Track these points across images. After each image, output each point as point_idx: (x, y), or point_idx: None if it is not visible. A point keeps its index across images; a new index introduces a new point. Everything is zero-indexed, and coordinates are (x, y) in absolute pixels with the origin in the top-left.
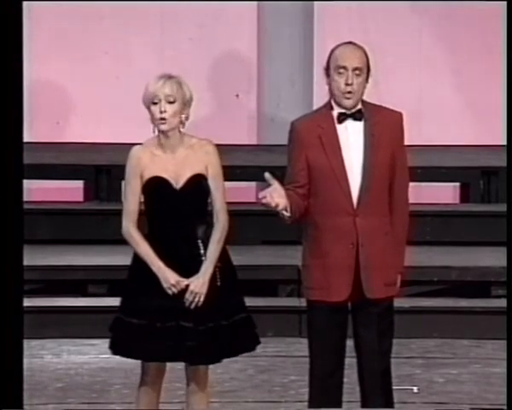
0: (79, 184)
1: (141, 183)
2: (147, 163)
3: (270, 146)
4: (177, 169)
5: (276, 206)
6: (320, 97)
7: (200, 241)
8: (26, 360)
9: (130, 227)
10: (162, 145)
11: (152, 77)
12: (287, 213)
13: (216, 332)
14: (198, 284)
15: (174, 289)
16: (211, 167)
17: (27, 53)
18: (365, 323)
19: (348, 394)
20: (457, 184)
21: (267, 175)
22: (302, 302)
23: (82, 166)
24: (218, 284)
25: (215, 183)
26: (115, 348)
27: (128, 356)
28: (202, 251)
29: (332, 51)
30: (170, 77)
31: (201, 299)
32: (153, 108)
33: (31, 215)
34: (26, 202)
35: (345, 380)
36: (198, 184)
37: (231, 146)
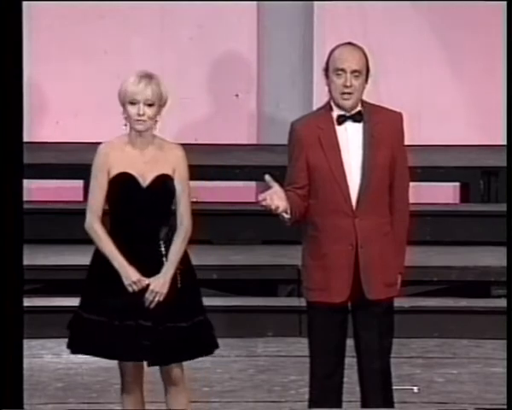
0: (79, 183)
1: (107, 178)
2: (115, 159)
3: (269, 146)
4: (144, 167)
5: (276, 208)
6: (320, 97)
7: (162, 241)
8: (26, 360)
9: (93, 222)
10: (132, 143)
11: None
12: (287, 216)
13: (174, 333)
14: (158, 284)
15: (135, 287)
16: (178, 171)
17: (27, 53)
18: (365, 323)
19: (348, 394)
20: (457, 184)
21: (267, 177)
22: (302, 302)
23: (82, 166)
24: (179, 285)
25: (181, 186)
26: (73, 346)
27: (86, 353)
28: (164, 252)
29: (331, 53)
30: (150, 79)
31: (161, 299)
32: (130, 107)
33: (31, 215)
34: (26, 201)
35: (345, 380)
36: (164, 183)
37: (231, 146)
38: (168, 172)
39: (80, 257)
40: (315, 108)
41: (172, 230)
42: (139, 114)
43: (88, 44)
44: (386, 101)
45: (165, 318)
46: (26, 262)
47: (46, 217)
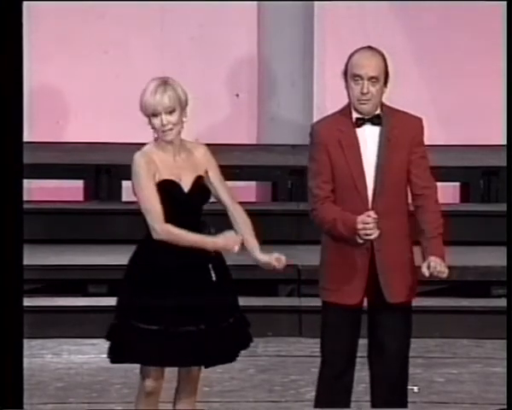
0: (79, 183)
1: (154, 184)
2: (157, 166)
3: (269, 146)
4: (180, 172)
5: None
6: (320, 97)
7: None
8: (26, 360)
9: (164, 227)
10: (164, 149)
11: (149, 81)
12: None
13: (217, 335)
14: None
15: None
16: (211, 167)
17: (27, 53)
18: (384, 325)
19: (353, 393)
20: (457, 184)
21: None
22: (302, 302)
23: (82, 166)
24: (213, 279)
25: (218, 178)
26: (118, 355)
27: (129, 361)
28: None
29: (350, 57)
30: (165, 86)
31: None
32: (154, 120)
33: (31, 215)
34: (26, 201)
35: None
36: (202, 185)
37: (231, 145)
38: (201, 172)
39: (80, 257)
40: (315, 107)
41: (210, 228)
42: (163, 125)
43: (88, 44)
44: (386, 101)
45: (209, 319)
46: (26, 262)
47: (46, 217)
